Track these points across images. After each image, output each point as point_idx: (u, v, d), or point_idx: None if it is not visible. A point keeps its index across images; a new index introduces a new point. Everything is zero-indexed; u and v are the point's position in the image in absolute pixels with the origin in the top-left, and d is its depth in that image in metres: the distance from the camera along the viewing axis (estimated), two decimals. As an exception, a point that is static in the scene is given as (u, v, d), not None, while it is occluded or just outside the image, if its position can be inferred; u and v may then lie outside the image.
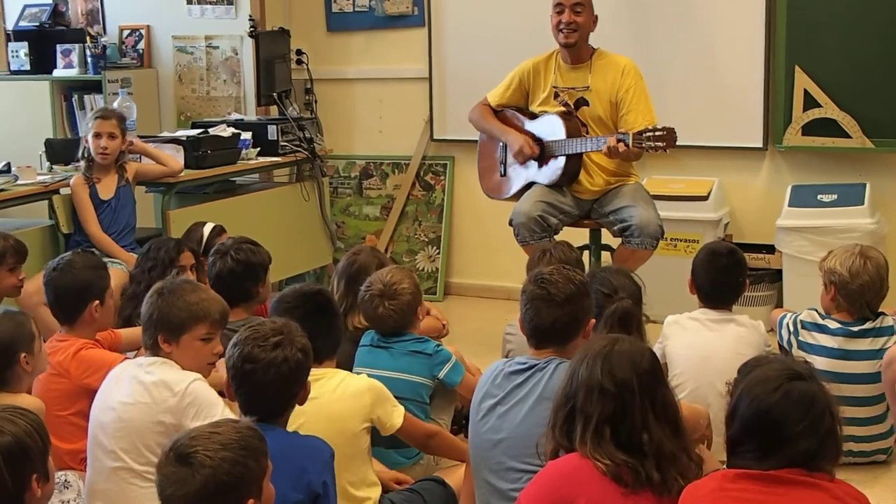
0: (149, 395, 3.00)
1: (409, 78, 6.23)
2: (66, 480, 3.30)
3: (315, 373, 2.96)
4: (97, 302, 3.54)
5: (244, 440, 2.15)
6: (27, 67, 6.38)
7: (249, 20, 6.11)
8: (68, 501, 3.27)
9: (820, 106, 5.23)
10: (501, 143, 4.89)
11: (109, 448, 3.07)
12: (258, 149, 5.70)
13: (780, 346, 3.83)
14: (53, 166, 5.15)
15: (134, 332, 3.83)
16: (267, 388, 2.56)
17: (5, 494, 2.04)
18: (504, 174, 4.93)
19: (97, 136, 4.75)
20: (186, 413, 2.86)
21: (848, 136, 5.19)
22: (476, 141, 5.21)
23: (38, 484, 2.22)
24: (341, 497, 2.70)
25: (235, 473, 2.10)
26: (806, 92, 5.25)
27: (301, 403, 2.67)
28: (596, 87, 4.67)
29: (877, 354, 3.58)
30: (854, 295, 3.67)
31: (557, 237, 4.54)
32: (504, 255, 5.42)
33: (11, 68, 6.45)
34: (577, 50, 4.70)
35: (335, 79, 6.41)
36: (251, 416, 2.50)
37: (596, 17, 4.67)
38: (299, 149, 5.88)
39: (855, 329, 3.68)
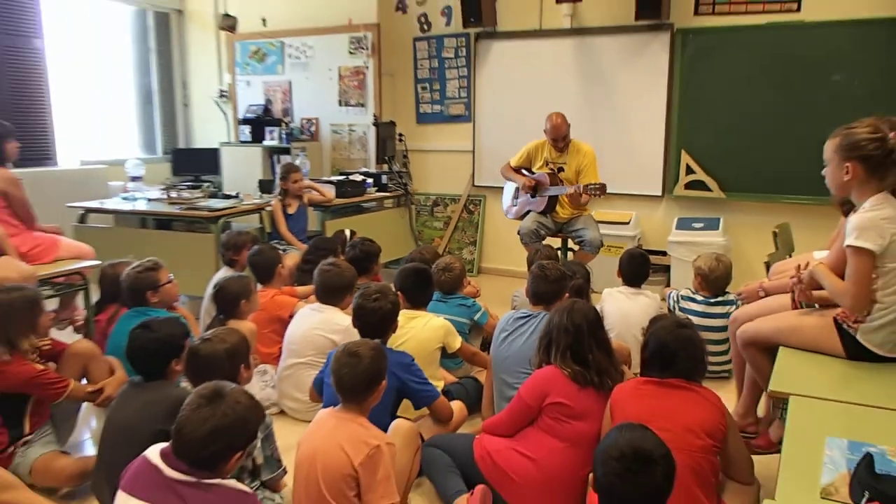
0: (325, 324, 3.08)
1: (461, 151, 6.19)
2: (264, 370, 3.37)
3: (413, 314, 3.00)
4: (281, 265, 3.67)
5: (378, 347, 2.20)
6: (249, 139, 6.44)
7: (374, 116, 6.12)
8: (266, 382, 3.33)
9: (695, 173, 5.16)
10: (516, 186, 4.85)
11: (297, 351, 3.13)
12: (376, 187, 5.71)
13: (669, 309, 3.78)
14: (262, 195, 5.20)
15: (305, 289, 3.87)
16: (371, 323, 2.58)
17: (226, 374, 2.09)
18: (515, 205, 4.88)
19: (296, 181, 4.78)
20: (345, 339, 2.86)
21: (710, 190, 5.12)
22: (500, 188, 5.16)
23: (244, 370, 2.28)
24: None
25: (381, 363, 2.15)
26: (687, 165, 5.18)
27: (394, 332, 2.68)
28: (569, 162, 4.61)
29: (724, 316, 3.54)
30: (711, 282, 3.65)
31: (544, 242, 4.51)
32: (513, 251, 5.40)
33: (241, 139, 6.53)
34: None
35: (420, 150, 6.38)
36: (367, 338, 2.50)
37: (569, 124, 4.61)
38: (399, 188, 5.88)
39: (712, 301, 3.64)
